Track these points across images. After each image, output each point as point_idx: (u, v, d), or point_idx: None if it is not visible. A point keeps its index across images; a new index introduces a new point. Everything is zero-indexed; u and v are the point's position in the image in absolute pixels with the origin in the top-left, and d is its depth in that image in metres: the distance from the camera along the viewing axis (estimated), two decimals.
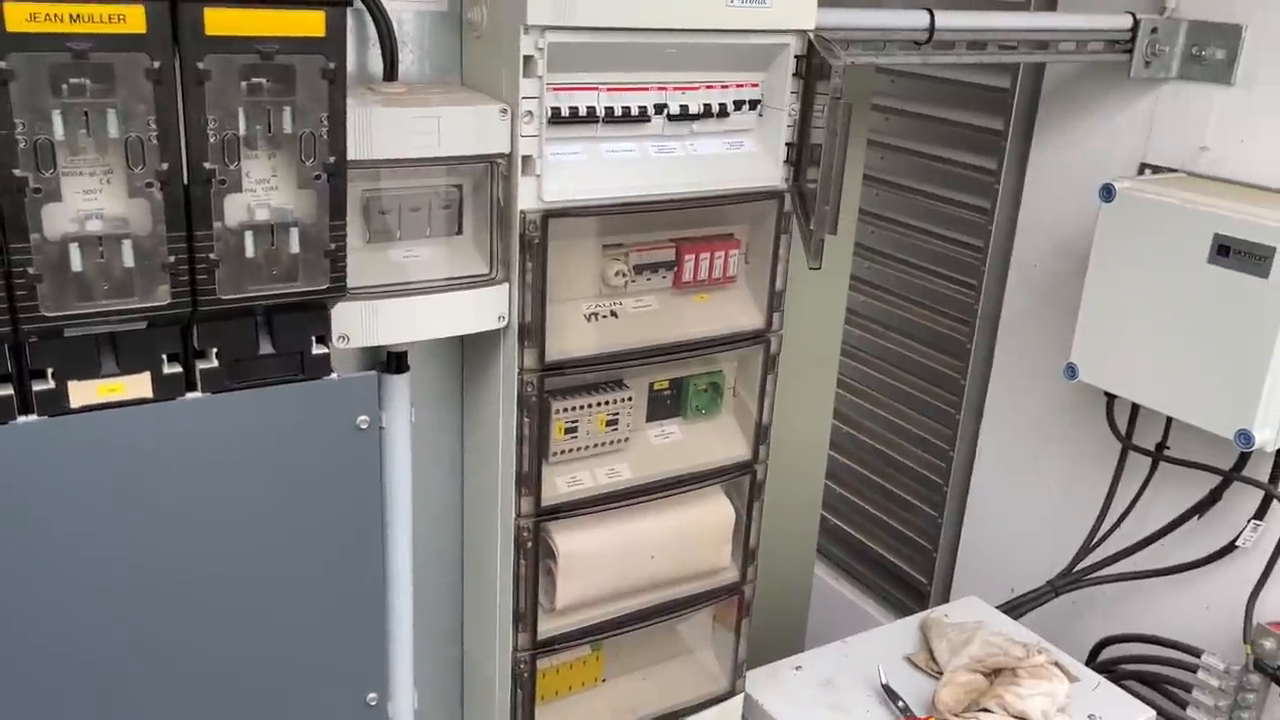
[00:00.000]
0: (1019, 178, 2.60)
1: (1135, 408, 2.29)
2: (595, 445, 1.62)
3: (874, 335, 3.13)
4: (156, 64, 1.04)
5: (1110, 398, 2.30)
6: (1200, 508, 2.26)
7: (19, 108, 1.00)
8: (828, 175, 1.48)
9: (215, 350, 1.23)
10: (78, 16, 0.98)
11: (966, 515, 2.86)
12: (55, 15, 0.98)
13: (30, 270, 1.06)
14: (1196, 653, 2.23)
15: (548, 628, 1.65)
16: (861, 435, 3.20)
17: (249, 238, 1.16)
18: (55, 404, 1.15)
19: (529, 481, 1.54)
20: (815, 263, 1.50)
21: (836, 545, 3.30)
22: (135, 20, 1.01)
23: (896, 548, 3.11)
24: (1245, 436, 1.96)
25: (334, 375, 1.31)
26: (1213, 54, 2.16)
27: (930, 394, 2.95)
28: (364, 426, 1.34)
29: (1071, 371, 2.25)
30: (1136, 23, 2.17)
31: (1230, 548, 2.20)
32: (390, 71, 1.41)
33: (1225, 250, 1.95)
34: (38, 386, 1.14)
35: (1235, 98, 2.14)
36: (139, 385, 1.20)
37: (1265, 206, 1.95)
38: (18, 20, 0.96)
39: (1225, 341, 1.97)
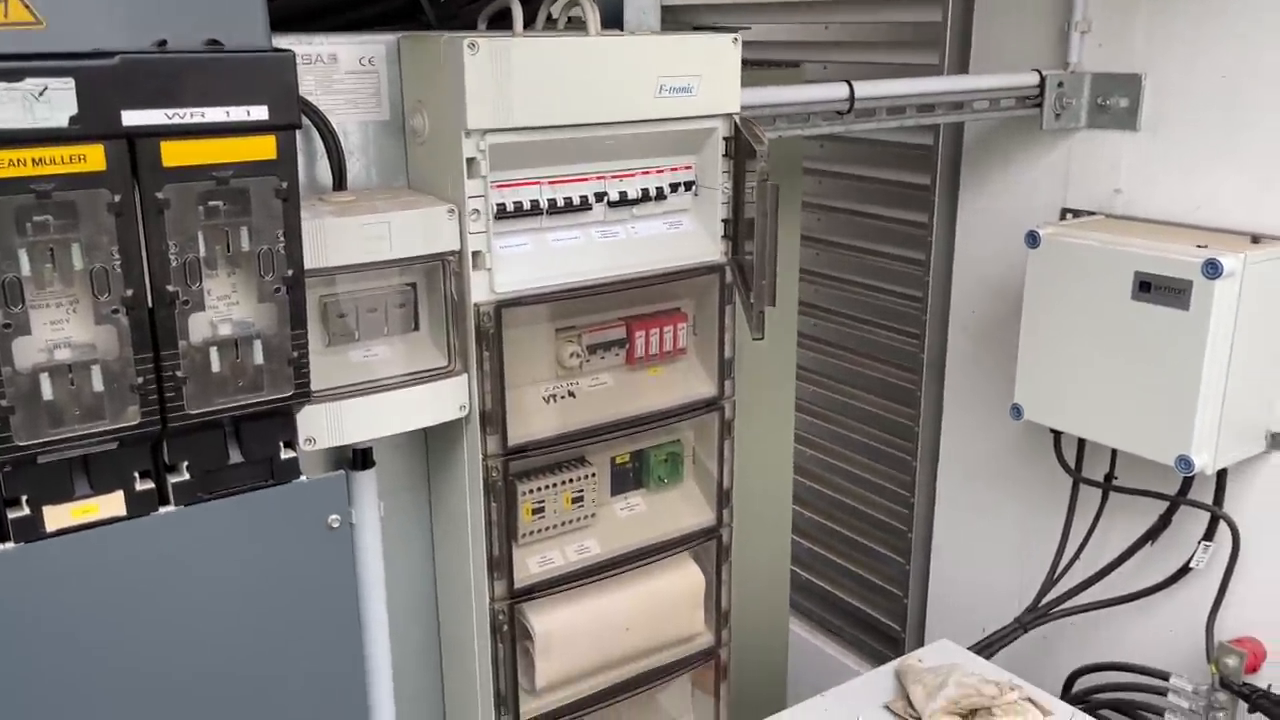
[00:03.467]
0: (950, 229, 2.71)
1: (1081, 442, 2.38)
2: (563, 523, 1.66)
3: (826, 389, 3.21)
4: (117, 198, 1.09)
5: (1056, 434, 2.39)
6: (1152, 534, 2.33)
7: None
8: (762, 252, 1.56)
9: (186, 463, 1.26)
10: (40, 160, 1.04)
11: (933, 559, 2.92)
12: (19, 160, 1.03)
13: (2, 403, 1.09)
14: (1165, 676, 2.29)
15: (530, 708, 1.67)
16: (824, 488, 3.26)
17: (214, 353, 1.21)
18: (31, 530, 1.17)
19: (500, 565, 1.58)
20: (757, 334, 1.57)
21: (810, 599, 3.33)
22: (95, 159, 1.06)
23: (868, 597, 3.15)
24: (1185, 462, 2.04)
25: (303, 478, 1.35)
26: (1117, 103, 2.30)
27: (886, 443, 3.03)
28: (335, 525, 1.37)
29: (1017, 412, 2.33)
30: (1043, 79, 2.30)
31: (1185, 570, 2.28)
32: (339, 181, 1.48)
33: (1146, 286, 2.06)
34: (12, 514, 1.16)
35: (1141, 142, 2.27)
36: (112, 504, 1.22)
37: (1178, 242, 2.07)
38: None
39: (1156, 372, 2.07)
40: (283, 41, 1.44)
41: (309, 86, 1.47)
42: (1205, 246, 2.01)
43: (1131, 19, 2.24)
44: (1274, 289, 2.04)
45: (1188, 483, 2.22)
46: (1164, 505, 2.29)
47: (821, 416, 3.23)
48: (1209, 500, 2.21)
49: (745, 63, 2.40)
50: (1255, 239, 2.08)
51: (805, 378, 3.16)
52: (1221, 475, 2.18)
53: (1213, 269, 1.94)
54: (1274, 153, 2.07)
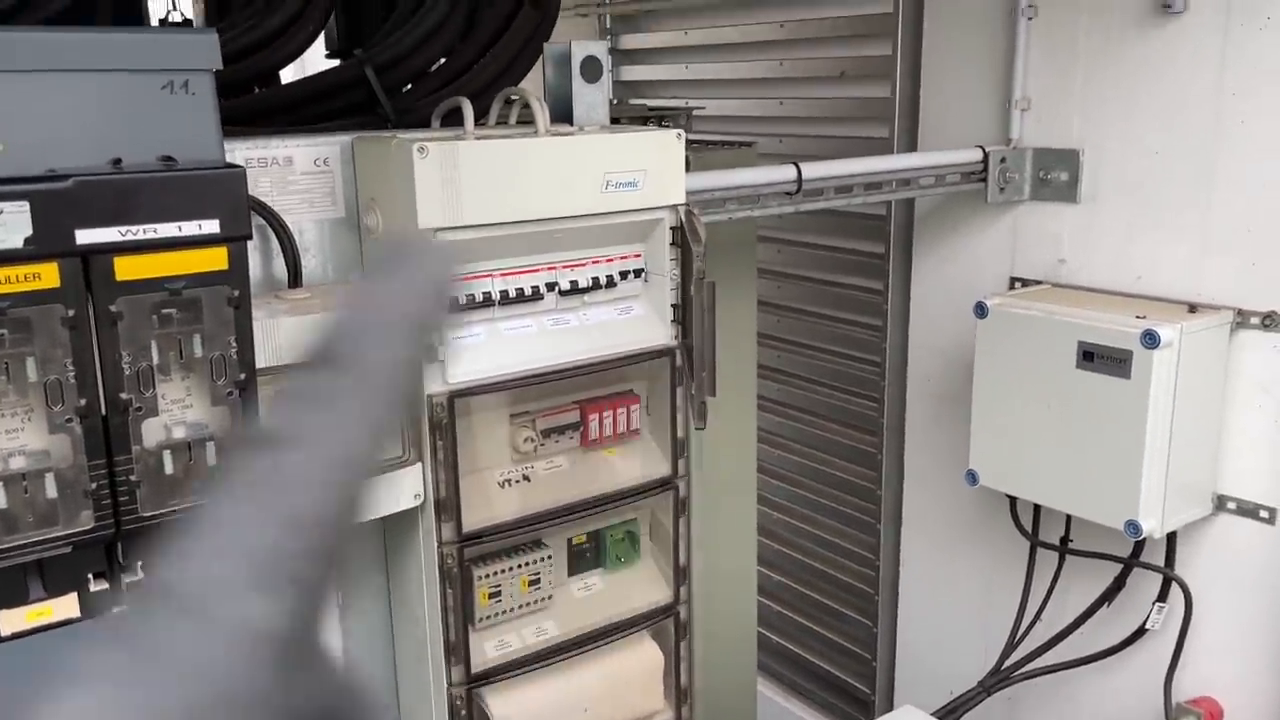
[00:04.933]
0: (905, 297, 2.78)
1: (1036, 505, 2.42)
2: (520, 606, 1.68)
3: (790, 453, 3.25)
4: (71, 312, 1.13)
5: (1012, 498, 2.44)
6: (1108, 595, 2.37)
7: None
8: (700, 345, 1.60)
9: (140, 563, 1.28)
10: None
11: (899, 622, 2.95)
12: None
13: None
14: None
15: None
16: (790, 551, 3.29)
17: (167, 456, 1.24)
18: None
19: (457, 650, 1.60)
20: (699, 424, 1.61)
21: (779, 662, 3.34)
22: (49, 277, 1.10)
23: (837, 659, 3.17)
24: (1133, 526, 2.09)
25: None
26: (1058, 176, 2.38)
27: (850, 505, 3.07)
28: None
29: (972, 478, 2.38)
30: (986, 155, 2.39)
31: (1141, 631, 2.31)
32: (294, 279, 1.52)
33: (1090, 356, 2.12)
34: None
35: (1082, 214, 2.36)
36: (66, 606, 1.24)
37: (1119, 313, 2.13)
38: None
39: (1102, 439, 2.12)
40: (240, 145, 1.50)
41: (265, 188, 1.52)
42: (1144, 317, 2.08)
43: (1068, 97, 2.33)
44: (1211, 357, 2.11)
45: (1139, 545, 2.26)
46: (1118, 567, 2.33)
47: (786, 480, 3.27)
48: (1161, 562, 2.26)
49: (699, 142, 2.48)
50: (1192, 308, 2.16)
51: (768, 440, 3.20)
52: (1171, 537, 2.23)
53: (1151, 339, 2.01)
54: (1206, 226, 2.15)
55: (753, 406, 2.61)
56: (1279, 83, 2.01)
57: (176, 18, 2.52)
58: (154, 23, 2.37)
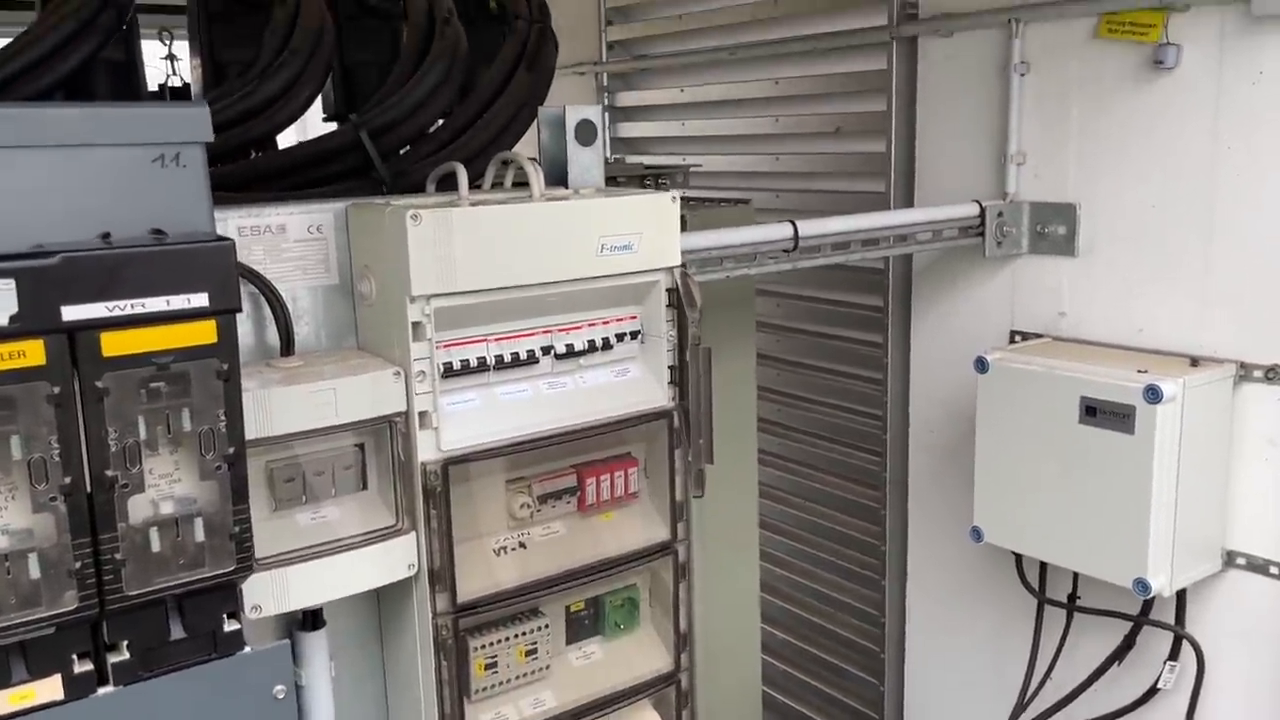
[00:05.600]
0: (905, 350, 2.76)
1: (1043, 563, 2.38)
2: (517, 677, 1.65)
3: (791, 507, 3.21)
4: (56, 389, 1.11)
5: (1018, 555, 2.40)
6: (1119, 654, 2.33)
7: None
8: (697, 413, 1.59)
9: (126, 643, 1.25)
10: None
11: (906, 681, 2.89)
12: None
13: None
14: None
15: None
16: (794, 608, 3.24)
17: (154, 533, 1.21)
18: None
19: None
20: (697, 492, 1.59)
21: None
22: (35, 354, 1.09)
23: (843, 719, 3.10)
24: (1142, 585, 2.05)
25: (247, 649, 1.34)
26: (1055, 230, 2.38)
27: (854, 561, 3.03)
28: (280, 696, 1.36)
29: (977, 535, 2.35)
30: (983, 209, 2.39)
31: (1153, 691, 2.27)
32: (287, 347, 1.50)
33: (1092, 411, 2.10)
34: None
35: (1080, 267, 2.35)
36: (50, 688, 1.21)
37: (1120, 367, 2.11)
38: None
39: (1108, 495, 2.09)
40: (233, 213, 1.49)
41: (258, 256, 1.51)
42: (1146, 371, 2.06)
43: (1063, 151, 2.34)
44: (1215, 411, 2.09)
45: (1149, 603, 2.22)
46: (1128, 625, 2.29)
47: (787, 534, 3.23)
48: (1171, 619, 2.22)
49: (696, 199, 2.48)
50: (1194, 361, 2.14)
51: (769, 494, 3.17)
52: (1181, 594, 2.19)
53: (1154, 394, 1.99)
54: (1206, 278, 2.14)
55: (753, 461, 2.59)
56: (1274, 134, 2.01)
57: (175, 82, 2.54)
58: (153, 87, 2.38)
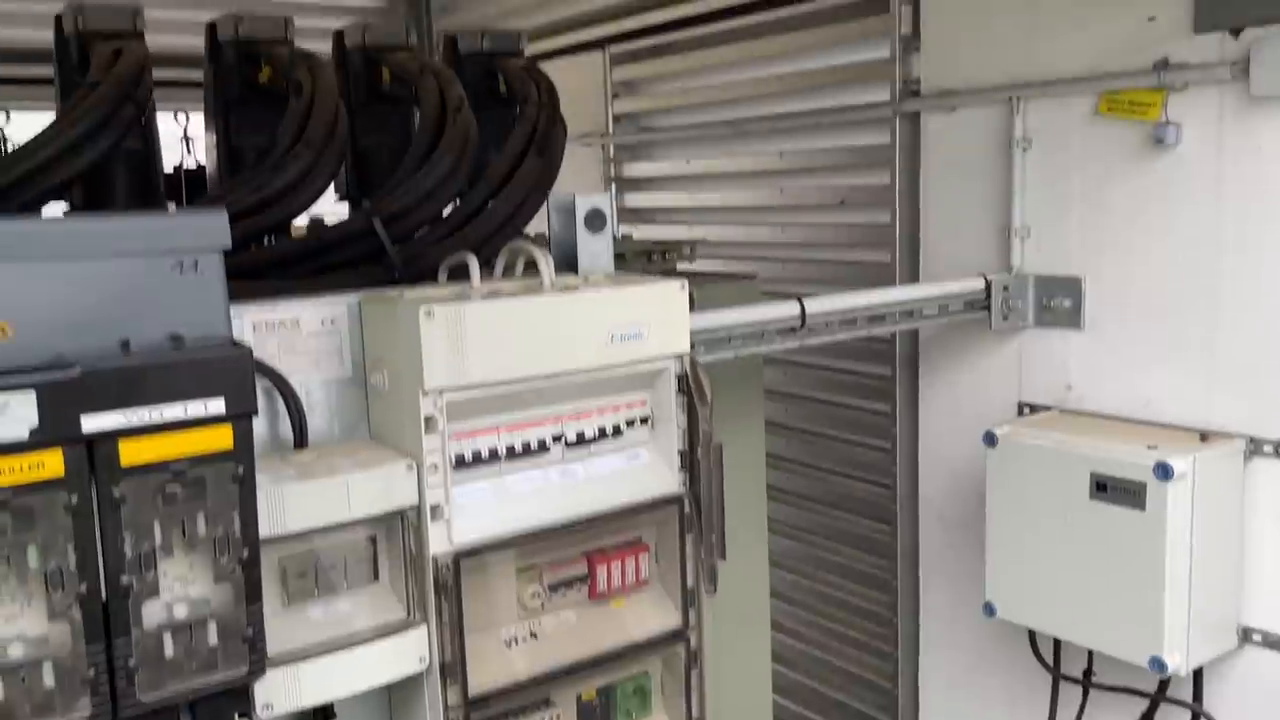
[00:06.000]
0: (913, 419, 2.77)
1: (1057, 639, 2.36)
2: None
3: (802, 576, 3.19)
4: (74, 499, 1.12)
5: (1032, 631, 2.38)
6: None
7: None
8: (709, 508, 1.59)
9: None
10: None
11: None
12: None
13: None
14: None
15: None
16: (804, 678, 3.20)
17: (167, 638, 1.21)
18: None
19: None
20: (710, 588, 1.59)
21: None
22: (54, 465, 1.10)
23: None
24: (1158, 664, 2.03)
25: None
26: (1061, 303, 2.39)
27: (866, 631, 3.00)
28: None
29: (990, 610, 2.33)
30: (989, 283, 2.40)
31: None
32: (300, 440, 1.51)
33: (1103, 486, 2.09)
34: None
35: (1087, 341, 2.36)
36: None
37: (1130, 442, 2.11)
38: None
39: (1121, 572, 2.08)
40: (248, 309, 1.51)
41: (272, 350, 1.52)
42: (1155, 447, 2.06)
43: (1067, 225, 2.36)
44: (1226, 486, 2.09)
45: (1166, 680, 2.20)
46: (1145, 702, 2.26)
47: (798, 604, 3.20)
48: (1188, 697, 2.19)
49: (701, 274, 2.50)
50: (1204, 436, 2.14)
51: (779, 563, 3.15)
52: (1198, 671, 2.16)
53: (1164, 472, 1.98)
54: (1213, 351, 2.15)
55: (764, 536, 2.58)
56: (1276, 210, 2.03)
57: (190, 164, 2.58)
58: (168, 169, 2.42)
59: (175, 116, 2.71)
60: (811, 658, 3.18)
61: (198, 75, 2.17)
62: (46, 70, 2.03)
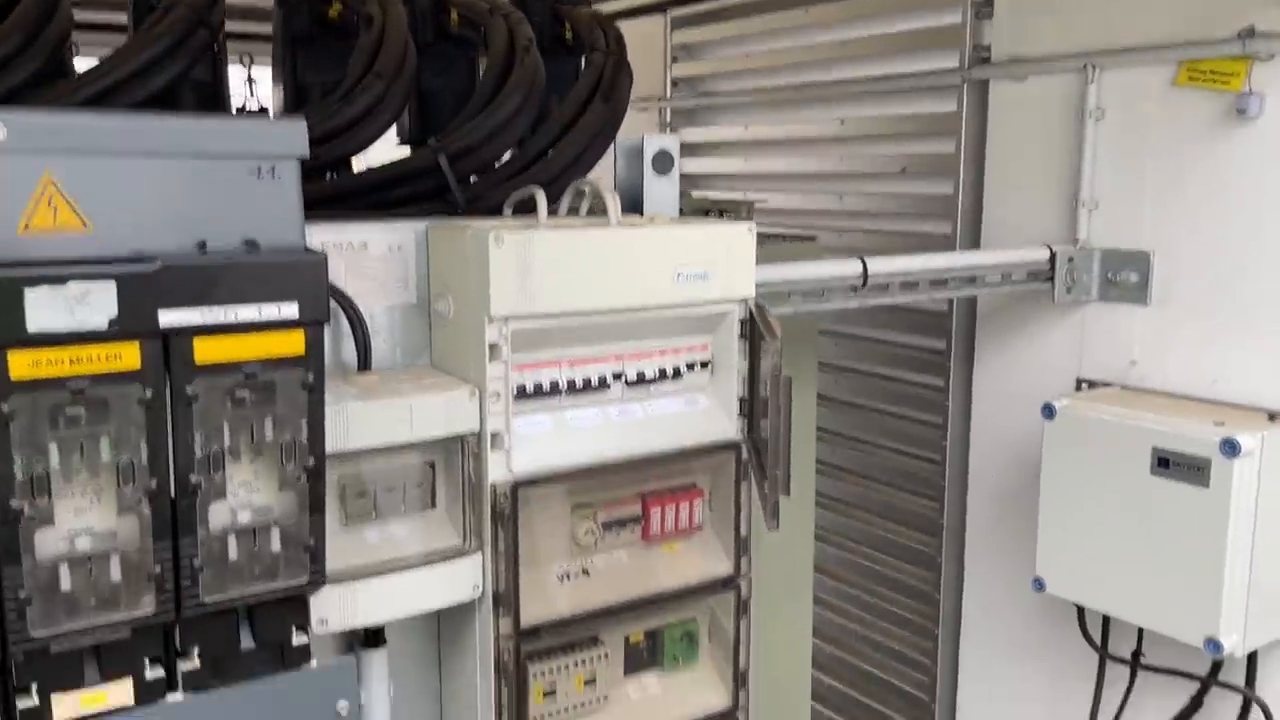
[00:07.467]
0: (966, 394, 2.73)
1: (1106, 617, 2.32)
2: (575, 706, 1.63)
3: (846, 551, 3.16)
4: (149, 393, 1.12)
5: (1080, 608, 2.34)
6: (1184, 716, 2.25)
7: (18, 444, 1.07)
8: (776, 443, 1.57)
9: (197, 650, 1.25)
10: (77, 359, 1.08)
11: None
12: (55, 360, 1.07)
13: (21, 594, 1.10)
14: None
15: None
16: (844, 653, 3.18)
17: (232, 541, 1.22)
18: None
19: None
20: (773, 524, 1.57)
21: None
22: (130, 358, 1.10)
23: None
24: (1214, 644, 1.99)
25: (313, 663, 1.34)
26: (1127, 278, 2.34)
27: (907, 608, 2.97)
28: (344, 713, 1.35)
29: (1039, 584, 2.29)
30: (1054, 255, 2.36)
31: None
32: (364, 362, 1.51)
33: (1165, 462, 2.05)
34: (21, 704, 1.16)
35: (1153, 316, 2.30)
36: (121, 692, 1.21)
37: (1195, 418, 2.07)
38: (21, 367, 1.05)
39: (1180, 550, 2.03)
40: (317, 228, 1.51)
41: (339, 272, 1.52)
42: (1223, 424, 2.01)
43: (1138, 197, 2.31)
44: None
45: (1218, 663, 2.15)
46: (1195, 685, 2.22)
47: (841, 579, 3.18)
48: (1241, 681, 2.15)
49: (761, 236, 2.47)
50: (1272, 416, 2.08)
51: (824, 538, 3.12)
52: (1252, 655, 2.12)
53: (1231, 448, 1.94)
54: None
55: (811, 503, 2.56)
56: None
57: (253, 105, 2.59)
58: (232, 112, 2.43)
59: (240, 59, 2.72)
60: (851, 632, 3.16)
61: (263, 29, 2.17)
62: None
